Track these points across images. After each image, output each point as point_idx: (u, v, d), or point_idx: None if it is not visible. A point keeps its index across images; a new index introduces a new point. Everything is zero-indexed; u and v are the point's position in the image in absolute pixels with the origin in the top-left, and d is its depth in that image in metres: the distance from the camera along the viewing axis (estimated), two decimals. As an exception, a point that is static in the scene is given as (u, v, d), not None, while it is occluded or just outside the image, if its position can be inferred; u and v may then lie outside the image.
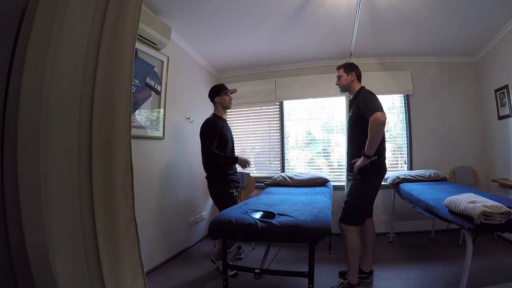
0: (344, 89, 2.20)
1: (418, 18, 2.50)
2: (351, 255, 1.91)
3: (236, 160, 2.29)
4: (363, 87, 2.12)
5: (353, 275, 1.92)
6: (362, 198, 1.95)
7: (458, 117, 3.24)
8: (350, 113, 2.10)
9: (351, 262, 1.92)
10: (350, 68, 2.15)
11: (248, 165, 2.33)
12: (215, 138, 2.21)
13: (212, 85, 2.44)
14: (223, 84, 2.45)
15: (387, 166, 2.05)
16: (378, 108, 1.84)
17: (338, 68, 2.22)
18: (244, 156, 2.39)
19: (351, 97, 2.19)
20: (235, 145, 2.53)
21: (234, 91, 2.47)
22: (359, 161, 1.91)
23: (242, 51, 3.23)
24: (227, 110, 2.49)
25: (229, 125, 2.57)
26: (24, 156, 1.10)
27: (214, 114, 2.38)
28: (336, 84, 2.24)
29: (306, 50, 3.23)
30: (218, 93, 2.36)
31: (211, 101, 2.42)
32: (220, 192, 2.26)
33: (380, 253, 2.36)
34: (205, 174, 2.30)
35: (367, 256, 2.10)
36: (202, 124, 2.28)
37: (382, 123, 1.80)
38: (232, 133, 2.52)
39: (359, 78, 2.16)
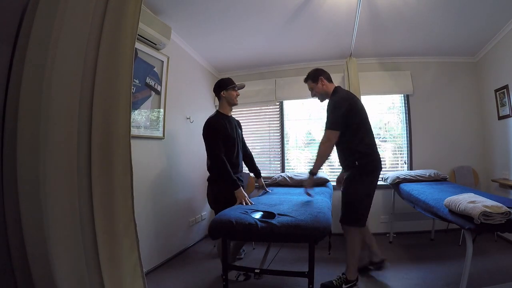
0: (322, 97, 2.14)
1: (418, 18, 2.50)
2: (349, 255, 1.95)
3: (235, 187, 2.00)
4: (336, 87, 2.08)
5: (351, 272, 1.95)
6: (356, 198, 1.93)
7: (458, 117, 3.24)
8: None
9: (348, 262, 1.96)
10: (316, 75, 2.10)
11: (242, 203, 1.98)
12: (219, 140, 2.03)
13: (216, 84, 2.23)
14: (231, 79, 2.23)
15: (382, 165, 2.04)
16: (334, 126, 1.89)
17: (305, 81, 2.17)
18: (245, 194, 2.02)
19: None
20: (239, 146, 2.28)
21: (242, 86, 2.27)
22: (307, 181, 2.04)
23: (242, 51, 3.23)
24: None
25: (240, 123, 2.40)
26: (24, 156, 1.10)
27: (217, 111, 2.20)
28: (313, 97, 2.20)
29: (306, 50, 3.23)
30: (225, 87, 2.15)
31: (216, 96, 2.24)
32: (222, 196, 2.05)
33: (380, 253, 2.36)
34: (207, 175, 2.17)
35: (373, 251, 2.15)
36: (205, 125, 2.10)
37: (330, 146, 1.92)
38: (242, 130, 2.36)
39: (329, 79, 2.10)
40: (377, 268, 2.15)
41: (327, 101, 2.09)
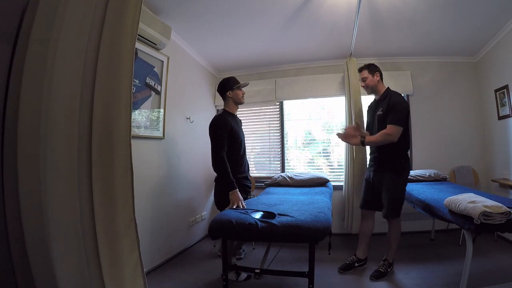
0: (370, 90, 2.27)
1: (418, 18, 2.50)
2: (394, 242, 2.17)
3: (230, 188, 1.97)
4: (388, 88, 2.23)
5: (393, 255, 2.20)
6: (402, 194, 2.15)
7: (458, 117, 3.24)
8: (380, 112, 2.16)
9: (392, 247, 2.18)
10: (374, 69, 2.23)
11: (236, 207, 1.91)
12: (224, 139, 2.03)
13: (220, 83, 2.24)
14: (235, 78, 2.25)
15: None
16: (401, 123, 2.02)
17: (361, 69, 2.28)
18: (240, 198, 1.98)
19: (376, 97, 2.30)
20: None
21: (247, 84, 2.28)
22: (355, 139, 2.17)
23: (242, 51, 3.23)
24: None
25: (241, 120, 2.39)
26: (24, 156, 1.10)
27: (224, 110, 2.21)
28: (362, 86, 2.33)
29: (306, 50, 3.23)
30: (231, 87, 2.17)
31: (221, 96, 2.24)
32: (226, 195, 2.01)
33: (380, 253, 2.36)
34: (207, 175, 2.17)
35: (366, 245, 2.33)
36: (211, 122, 2.10)
37: (390, 140, 2.03)
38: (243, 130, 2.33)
39: (382, 78, 2.26)
40: (360, 265, 2.30)
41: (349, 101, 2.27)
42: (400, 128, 2.01)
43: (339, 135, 2.27)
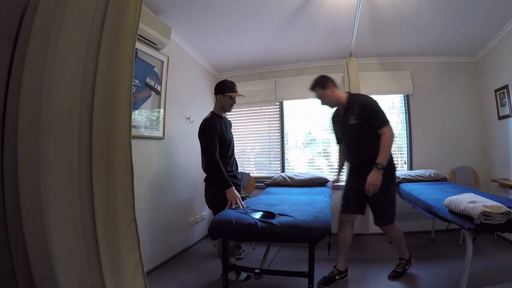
0: (333, 104, 2.11)
1: (418, 18, 2.50)
2: (399, 244, 2.14)
3: (226, 187, 1.96)
4: (350, 93, 2.10)
5: (405, 253, 2.17)
6: (393, 197, 2.08)
7: (458, 117, 3.25)
8: (352, 121, 1.98)
9: (401, 249, 2.16)
10: (324, 82, 2.05)
11: (233, 206, 1.91)
12: (215, 140, 2.02)
13: (217, 83, 2.20)
14: (233, 84, 2.18)
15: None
16: (386, 120, 1.93)
17: (312, 89, 2.10)
18: (237, 195, 1.97)
19: (340, 107, 2.10)
20: (234, 146, 2.30)
21: (241, 96, 2.25)
22: (375, 176, 1.87)
23: (242, 51, 3.23)
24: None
25: (231, 123, 2.38)
26: (24, 156, 1.10)
27: (212, 112, 2.18)
28: (322, 105, 2.14)
29: (306, 50, 3.23)
30: (222, 91, 2.13)
31: (215, 95, 2.21)
32: (218, 196, 1.99)
33: (380, 253, 2.36)
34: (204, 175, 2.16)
35: (346, 255, 2.11)
36: (200, 126, 2.10)
37: (393, 138, 1.92)
38: (233, 133, 2.32)
39: (336, 85, 2.08)
40: (342, 277, 2.08)
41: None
42: (389, 125, 1.91)
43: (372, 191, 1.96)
